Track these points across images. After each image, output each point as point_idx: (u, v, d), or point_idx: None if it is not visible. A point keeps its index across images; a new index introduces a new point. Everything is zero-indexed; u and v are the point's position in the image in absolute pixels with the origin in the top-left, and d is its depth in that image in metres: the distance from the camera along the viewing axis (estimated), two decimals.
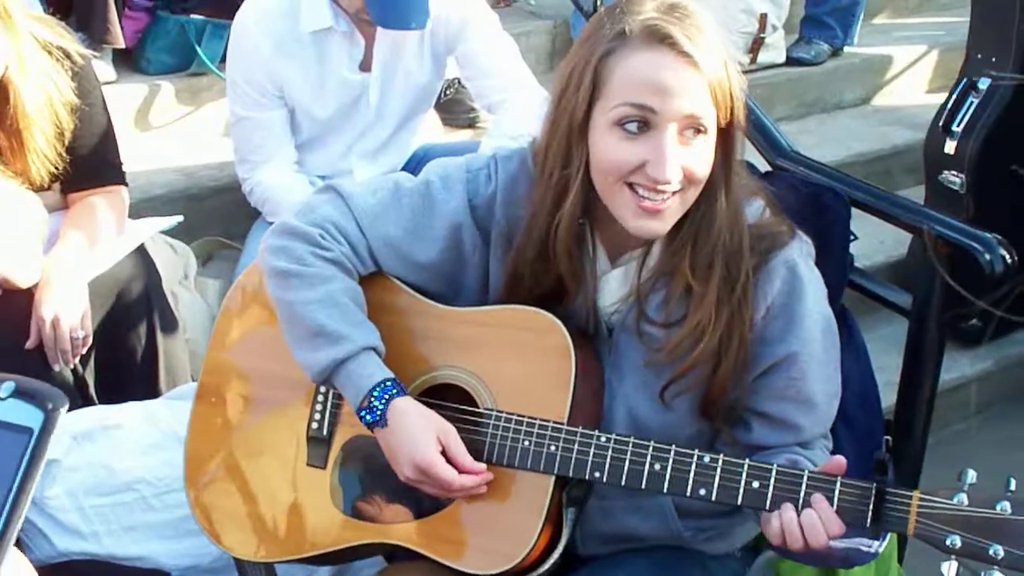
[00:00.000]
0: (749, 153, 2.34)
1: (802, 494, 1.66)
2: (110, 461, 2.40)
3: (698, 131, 1.68)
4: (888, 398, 2.30)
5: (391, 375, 1.82)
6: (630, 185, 1.70)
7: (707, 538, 1.94)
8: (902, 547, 2.32)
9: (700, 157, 1.69)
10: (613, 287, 1.84)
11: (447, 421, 1.81)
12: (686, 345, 1.76)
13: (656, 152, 1.66)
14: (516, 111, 3.02)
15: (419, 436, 1.78)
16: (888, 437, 1.70)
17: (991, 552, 1.56)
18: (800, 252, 1.82)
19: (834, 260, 2.09)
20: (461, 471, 1.77)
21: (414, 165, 3.18)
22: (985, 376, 3.80)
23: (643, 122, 1.67)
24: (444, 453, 1.78)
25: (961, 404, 3.75)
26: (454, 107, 3.83)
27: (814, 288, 1.82)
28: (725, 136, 1.72)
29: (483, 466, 1.78)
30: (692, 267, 1.75)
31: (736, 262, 1.76)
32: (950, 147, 3.64)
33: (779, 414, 1.82)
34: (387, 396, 1.80)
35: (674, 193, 1.69)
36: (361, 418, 1.81)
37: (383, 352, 1.85)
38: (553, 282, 1.82)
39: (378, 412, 1.79)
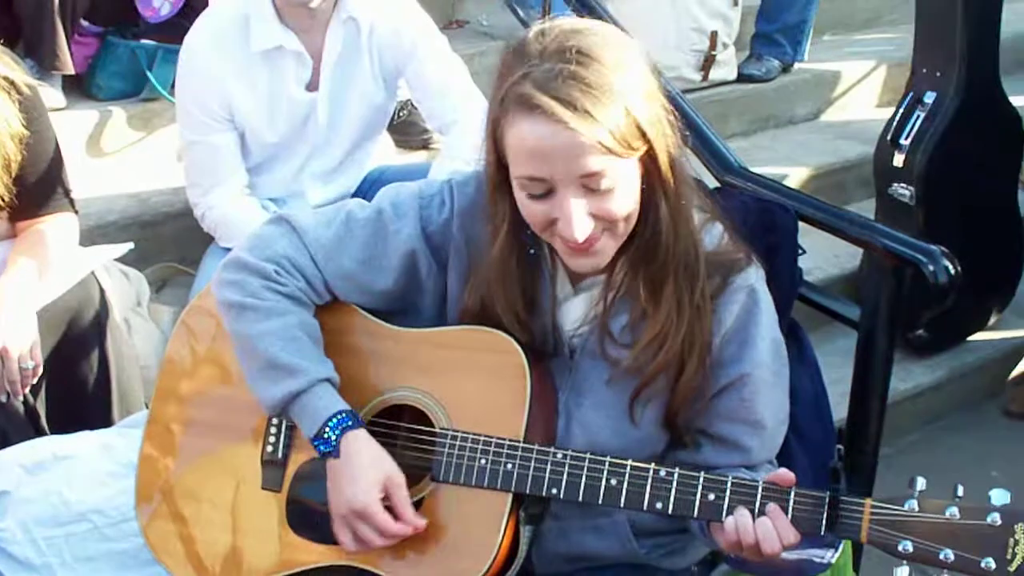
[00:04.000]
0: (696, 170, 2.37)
1: (757, 504, 1.67)
2: (64, 491, 2.37)
3: (609, 186, 1.65)
4: (844, 410, 2.32)
5: (347, 407, 1.82)
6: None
7: (664, 554, 1.95)
8: (857, 557, 2.34)
9: (613, 200, 1.67)
10: (575, 311, 1.84)
11: (397, 468, 1.80)
12: (648, 355, 1.77)
13: (562, 213, 1.67)
14: (468, 132, 3.01)
15: (364, 479, 1.78)
16: (840, 446, 1.72)
17: (942, 556, 1.59)
18: (758, 277, 1.83)
19: (784, 275, 2.11)
20: (398, 519, 1.77)
21: (367, 188, 3.18)
22: (940, 385, 3.84)
23: (544, 188, 1.67)
24: (387, 499, 1.78)
25: (916, 413, 3.77)
26: (408, 129, 3.82)
27: (769, 313, 1.83)
28: (648, 159, 1.69)
29: (423, 521, 1.78)
30: (646, 283, 1.76)
31: (690, 270, 1.76)
32: (899, 160, 3.69)
33: (729, 435, 1.84)
34: (342, 427, 1.80)
35: (603, 232, 1.70)
36: (316, 447, 1.82)
37: (338, 384, 1.85)
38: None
39: (333, 443, 1.80)
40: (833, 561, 1.82)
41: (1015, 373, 4.03)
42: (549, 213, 1.68)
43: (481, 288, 1.82)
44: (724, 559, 1.98)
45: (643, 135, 1.66)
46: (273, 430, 1.93)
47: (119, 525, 2.38)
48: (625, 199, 1.68)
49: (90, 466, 2.41)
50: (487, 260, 1.80)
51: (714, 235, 1.83)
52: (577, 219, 1.66)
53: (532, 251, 1.81)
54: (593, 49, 1.64)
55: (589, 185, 1.65)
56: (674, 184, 1.73)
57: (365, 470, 1.78)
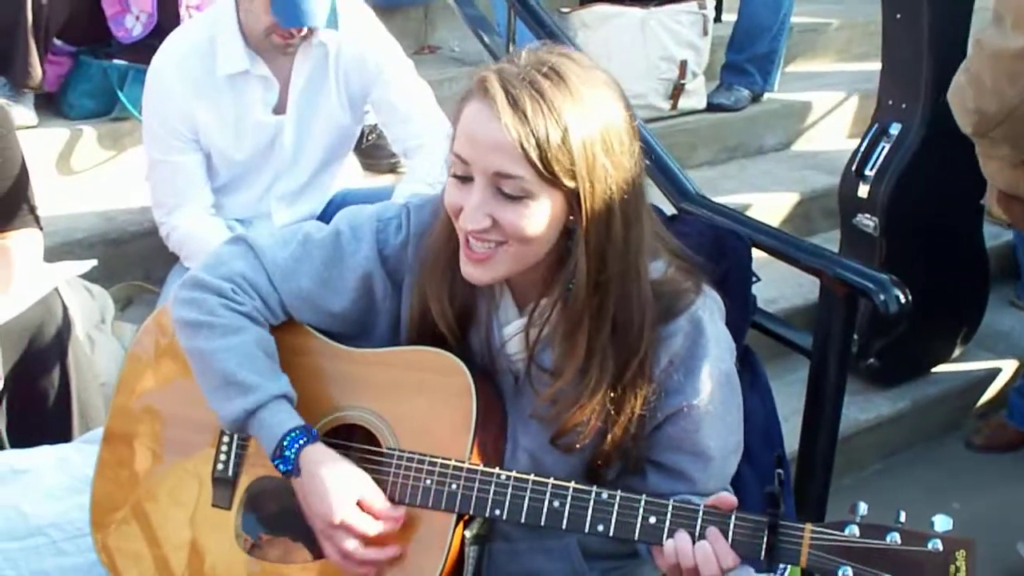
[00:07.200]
0: (655, 197, 2.39)
1: (698, 527, 1.68)
2: (21, 505, 2.37)
3: (517, 194, 1.66)
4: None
5: (302, 422, 1.83)
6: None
7: None
8: None
9: (521, 216, 1.67)
10: (516, 336, 1.85)
11: (359, 469, 1.81)
12: (568, 400, 1.77)
13: (466, 202, 1.69)
14: (432, 156, 3.04)
15: (334, 492, 1.78)
16: (780, 471, 1.73)
17: None
18: (704, 307, 1.82)
19: (736, 302, 2.11)
20: (377, 518, 1.78)
21: (332, 210, 3.20)
22: (902, 416, 3.83)
23: (465, 172, 1.69)
24: (359, 503, 1.78)
25: (877, 445, 3.78)
26: (376, 152, 3.85)
27: (717, 344, 1.82)
28: (574, 202, 1.68)
29: (401, 510, 1.79)
30: (561, 329, 1.76)
31: (633, 339, 1.76)
32: (863, 191, 3.71)
33: (674, 465, 1.84)
34: (298, 444, 1.81)
35: (499, 245, 1.70)
36: (276, 467, 1.82)
37: (295, 400, 1.86)
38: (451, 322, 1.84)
39: (291, 461, 1.81)
40: None
41: (979, 405, 4.05)
42: (459, 201, 1.70)
43: (421, 288, 1.83)
44: None
45: (572, 172, 1.66)
46: (224, 448, 1.94)
47: (75, 540, 2.38)
48: (532, 220, 1.68)
49: (47, 481, 2.41)
50: (429, 256, 1.82)
51: (658, 264, 1.82)
52: (472, 208, 1.68)
53: None
54: (567, 74, 1.67)
55: (501, 187, 1.67)
56: (605, 239, 1.70)
57: (331, 484, 1.78)
